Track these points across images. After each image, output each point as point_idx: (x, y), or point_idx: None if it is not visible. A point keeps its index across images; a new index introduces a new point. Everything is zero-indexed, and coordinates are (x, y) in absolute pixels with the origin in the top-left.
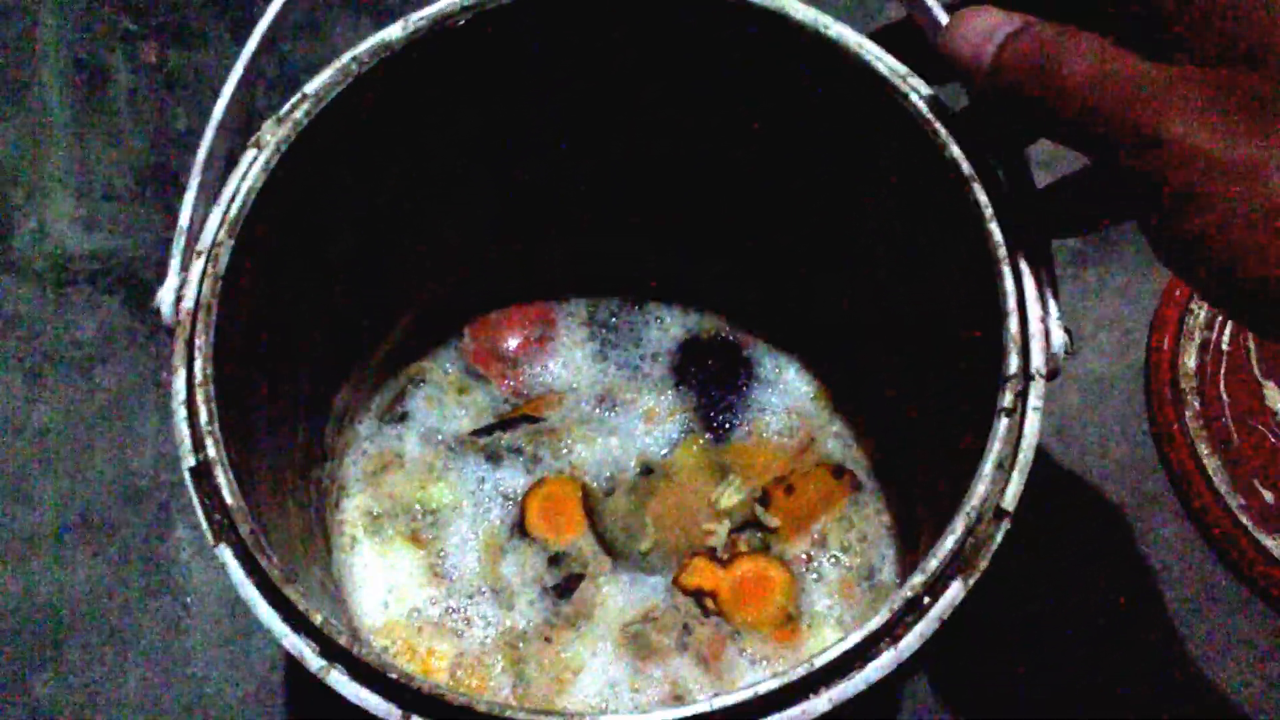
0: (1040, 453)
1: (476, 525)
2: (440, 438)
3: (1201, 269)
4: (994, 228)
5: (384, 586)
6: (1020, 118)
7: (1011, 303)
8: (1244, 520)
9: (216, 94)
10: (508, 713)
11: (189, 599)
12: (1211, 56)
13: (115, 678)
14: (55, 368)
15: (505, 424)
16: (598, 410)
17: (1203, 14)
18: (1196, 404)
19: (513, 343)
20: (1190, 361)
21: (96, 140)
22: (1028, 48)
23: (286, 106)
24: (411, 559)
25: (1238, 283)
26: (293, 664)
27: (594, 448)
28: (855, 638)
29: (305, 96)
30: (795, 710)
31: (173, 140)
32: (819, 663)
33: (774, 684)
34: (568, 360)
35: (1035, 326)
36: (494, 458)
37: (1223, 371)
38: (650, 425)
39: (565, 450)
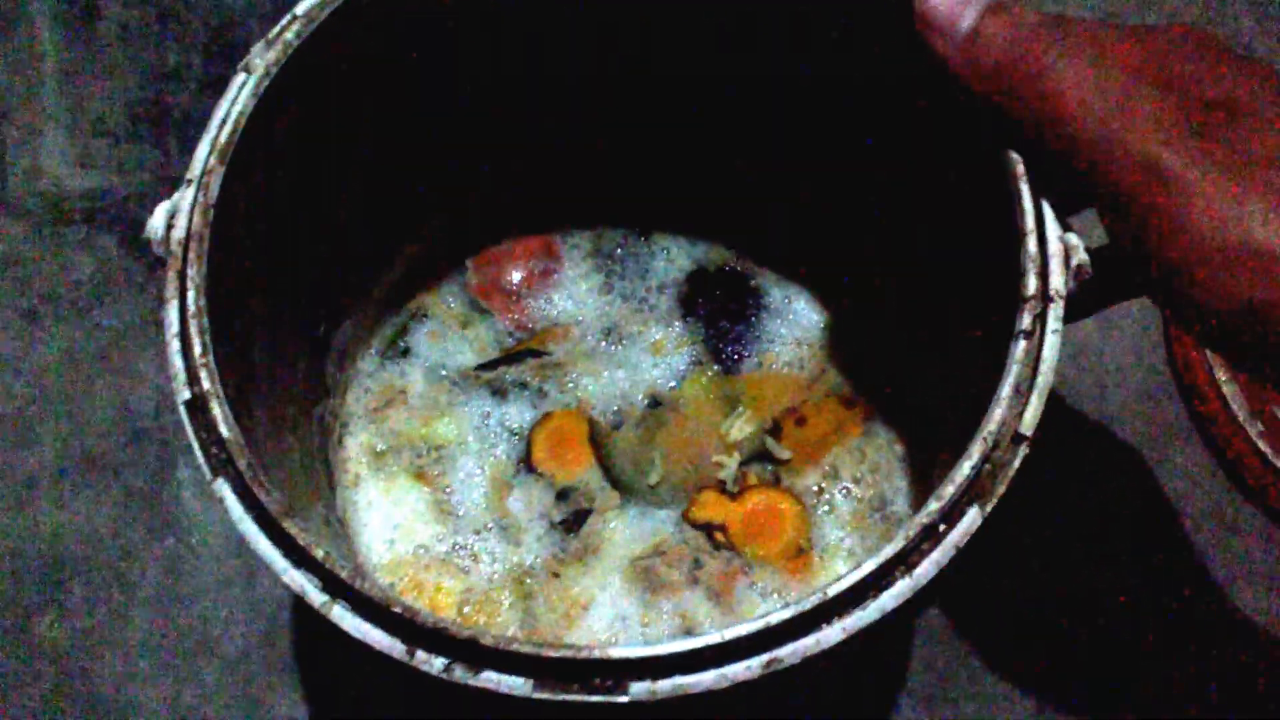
0: (1055, 382)
1: (482, 461)
2: (444, 373)
3: (1185, 295)
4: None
5: (389, 524)
6: (986, 97)
7: (1030, 221)
8: (1262, 447)
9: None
10: (514, 645)
11: (193, 540)
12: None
13: (119, 620)
14: (53, 308)
15: (510, 358)
16: (604, 343)
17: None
18: None
19: (516, 276)
20: None
21: (88, 77)
22: (1013, 30)
23: (276, 28)
24: (417, 496)
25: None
26: (299, 605)
27: (601, 381)
28: (869, 566)
29: (295, 17)
30: (809, 640)
31: (165, 76)
32: (832, 592)
33: (787, 614)
34: (573, 293)
35: (1054, 246)
36: (499, 392)
37: None
38: (658, 358)
39: (571, 384)
